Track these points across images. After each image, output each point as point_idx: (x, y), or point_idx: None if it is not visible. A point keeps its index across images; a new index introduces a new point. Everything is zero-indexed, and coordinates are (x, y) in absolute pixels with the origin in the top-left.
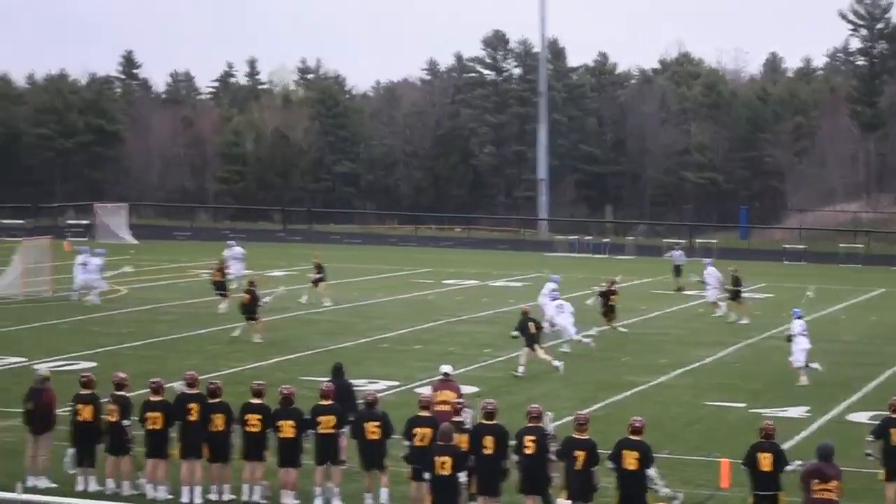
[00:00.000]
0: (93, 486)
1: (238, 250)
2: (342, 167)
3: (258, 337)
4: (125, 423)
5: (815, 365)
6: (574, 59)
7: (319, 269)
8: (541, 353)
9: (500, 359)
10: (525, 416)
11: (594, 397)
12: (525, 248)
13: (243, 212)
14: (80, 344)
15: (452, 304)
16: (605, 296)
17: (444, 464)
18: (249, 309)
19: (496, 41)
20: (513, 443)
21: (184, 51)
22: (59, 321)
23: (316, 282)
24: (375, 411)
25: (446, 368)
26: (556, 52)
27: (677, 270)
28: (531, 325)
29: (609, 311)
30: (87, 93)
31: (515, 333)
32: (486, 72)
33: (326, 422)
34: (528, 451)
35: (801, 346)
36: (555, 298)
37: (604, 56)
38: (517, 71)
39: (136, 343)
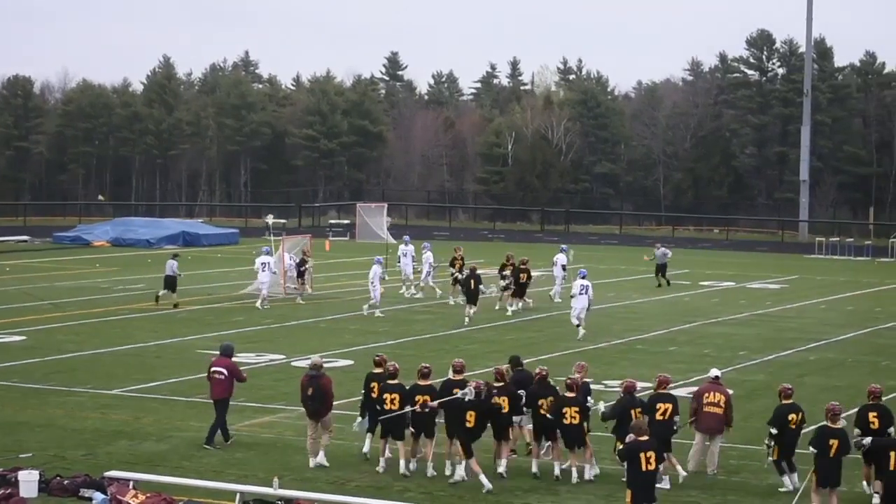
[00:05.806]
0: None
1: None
2: (601, 168)
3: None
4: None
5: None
6: (840, 59)
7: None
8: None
9: (756, 361)
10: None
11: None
12: (784, 251)
13: (502, 212)
14: (336, 342)
15: (709, 306)
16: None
17: (649, 458)
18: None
19: (761, 41)
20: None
21: (447, 52)
22: (318, 319)
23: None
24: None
25: (715, 372)
26: (823, 51)
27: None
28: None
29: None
30: (351, 94)
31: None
32: (749, 72)
33: (571, 413)
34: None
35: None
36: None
37: (871, 55)
38: (781, 71)
39: (391, 342)
